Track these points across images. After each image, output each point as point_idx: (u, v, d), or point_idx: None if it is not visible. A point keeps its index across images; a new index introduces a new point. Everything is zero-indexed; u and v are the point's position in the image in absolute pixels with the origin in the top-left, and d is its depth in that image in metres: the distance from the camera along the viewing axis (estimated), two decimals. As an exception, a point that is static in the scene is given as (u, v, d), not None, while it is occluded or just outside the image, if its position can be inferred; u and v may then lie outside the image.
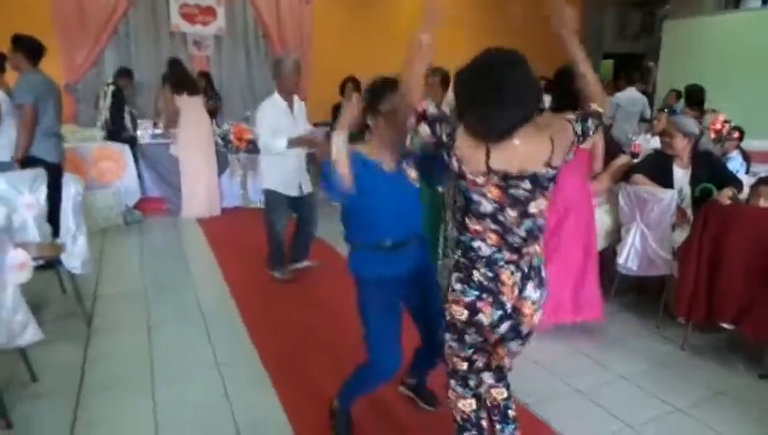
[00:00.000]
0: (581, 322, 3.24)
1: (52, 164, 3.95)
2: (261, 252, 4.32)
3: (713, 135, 3.70)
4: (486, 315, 1.64)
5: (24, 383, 2.62)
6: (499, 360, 1.85)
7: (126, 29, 7.13)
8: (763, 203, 2.79)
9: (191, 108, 5.71)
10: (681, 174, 3.30)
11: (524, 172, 1.56)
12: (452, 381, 1.86)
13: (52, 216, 3.42)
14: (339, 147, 1.80)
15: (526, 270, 1.65)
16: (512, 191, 1.57)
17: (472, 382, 1.83)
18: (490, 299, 1.63)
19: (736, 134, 3.70)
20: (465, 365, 1.79)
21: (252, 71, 7.94)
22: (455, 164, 1.60)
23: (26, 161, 3.88)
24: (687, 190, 3.25)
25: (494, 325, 1.66)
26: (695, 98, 5.60)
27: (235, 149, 6.23)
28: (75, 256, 3.17)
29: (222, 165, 6.24)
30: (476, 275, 1.63)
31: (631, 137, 4.79)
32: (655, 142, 4.63)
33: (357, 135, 2.04)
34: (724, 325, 2.95)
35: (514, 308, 1.66)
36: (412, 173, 2.04)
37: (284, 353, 3.01)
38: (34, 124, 3.89)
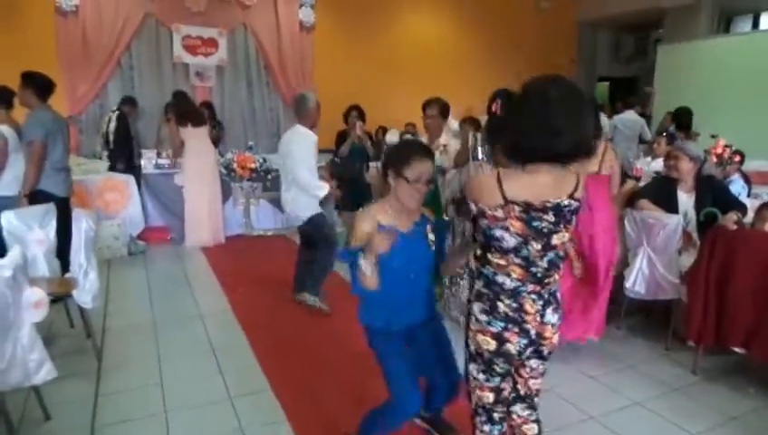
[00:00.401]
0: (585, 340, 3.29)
1: (60, 198, 3.98)
2: (267, 280, 4.32)
3: (714, 159, 3.76)
4: (514, 345, 1.67)
5: (38, 421, 2.60)
6: (524, 384, 1.83)
7: (129, 61, 7.25)
8: (767, 227, 2.83)
9: (196, 139, 5.77)
10: (685, 198, 3.35)
11: (547, 204, 1.58)
12: (478, 420, 1.83)
13: (62, 250, 3.43)
14: (367, 270, 1.89)
15: (546, 296, 1.69)
16: (535, 224, 1.58)
17: (497, 415, 1.80)
18: (516, 329, 1.66)
19: (737, 158, 3.77)
20: (491, 397, 1.77)
21: (253, 100, 8.06)
22: (473, 207, 1.64)
23: (34, 196, 3.91)
24: (692, 214, 3.29)
25: (521, 352, 1.69)
26: (684, 121, 5.71)
27: (239, 178, 6.30)
28: (86, 291, 3.17)
29: (225, 193, 6.29)
30: (502, 307, 1.66)
31: (632, 160, 4.85)
32: (656, 165, 4.69)
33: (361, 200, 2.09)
34: (735, 349, 2.96)
35: (537, 334, 1.69)
36: (431, 235, 2.09)
37: (297, 384, 3.01)
38: (43, 160, 3.93)
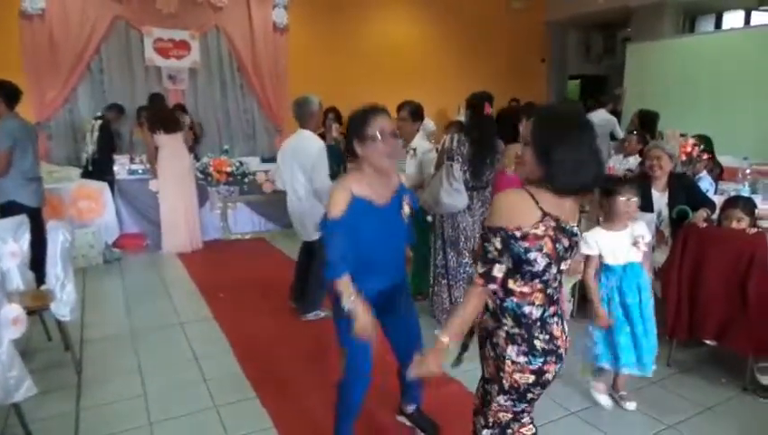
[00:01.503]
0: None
1: (33, 208, 3.90)
2: (248, 284, 4.27)
3: (683, 157, 3.90)
4: (551, 373, 1.66)
5: (19, 439, 2.56)
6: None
7: (99, 65, 7.10)
8: (735, 225, 2.94)
9: (169, 144, 5.68)
10: (658, 196, 3.45)
11: (567, 226, 1.57)
12: (486, 432, 1.80)
13: (36, 262, 3.36)
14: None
15: (559, 312, 1.69)
16: (558, 246, 1.56)
17: (509, 431, 1.77)
18: (553, 359, 1.64)
19: (705, 156, 3.91)
20: (509, 416, 1.74)
21: (227, 103, 7.96)
22: (515, 233, 1.52)
23: (6, 207, 3.82)
24: (666, 212, 3.39)
25: (555, 375, 1.68)
26: (648, 120, 5.90)
27: (215, 182, 6.24)
28: (64, 303, 3.11)
29: (201, 198, 6.22)
30: (539, 344, 1.62)
31: (605, 159, 4.96)
32: (627, 163, 4.82)
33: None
34: (707, 341, 3.07)
35: (565, 350, 1.70)
36: (407, 209, 2.12)
37: (283, 389, 3.02)
38: (8, 169, 3.83)
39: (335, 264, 1.98)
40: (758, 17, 9.56)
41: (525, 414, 1.78)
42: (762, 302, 2.80)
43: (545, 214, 1.52)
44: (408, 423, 2.59)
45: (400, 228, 2.13)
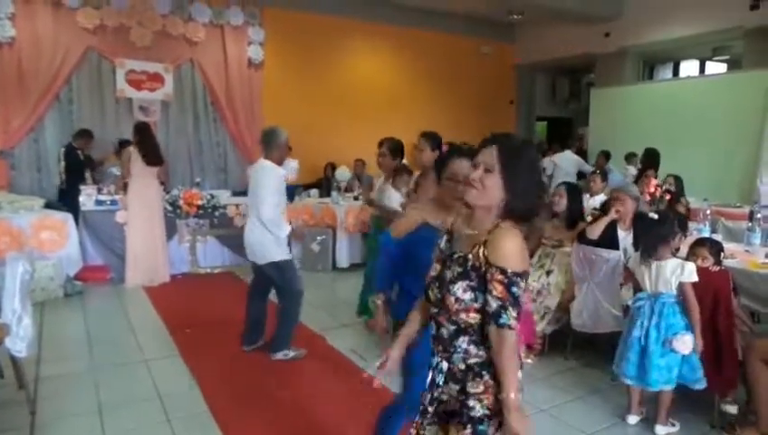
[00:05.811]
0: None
1: None
2: (216, 320, 4.17)
3: (647, 198, 4.03)
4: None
5: (-37, 486, 2.39)
6: None
7: (69, 94, 7.01)
8: (699, 262, 3.03)
9: (149, 177, 5.62)
10: (623, 236, 3.55)
11: None
12: None
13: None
14: None
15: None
16: None
17: None
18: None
19: (668, 196, 4.05)
20: None
21: (200, 136, 7.93)
22: (522, 284, 1.46)
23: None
24: (631, 251, 3.48)
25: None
26: (654, 160, 6.10)
27: (185, 215, 6.14)
28: (20, 338, 2.96)
29: (169, 231, 6.09)
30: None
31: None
32: (594, 202, 4.96)
33: None
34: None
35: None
36: None
37: (251, 428, 2.91)
38: None
39: None
40: (712, 66, 10.15)
41: None
42: (726, 338, 2.87)
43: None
44: None
45: None
